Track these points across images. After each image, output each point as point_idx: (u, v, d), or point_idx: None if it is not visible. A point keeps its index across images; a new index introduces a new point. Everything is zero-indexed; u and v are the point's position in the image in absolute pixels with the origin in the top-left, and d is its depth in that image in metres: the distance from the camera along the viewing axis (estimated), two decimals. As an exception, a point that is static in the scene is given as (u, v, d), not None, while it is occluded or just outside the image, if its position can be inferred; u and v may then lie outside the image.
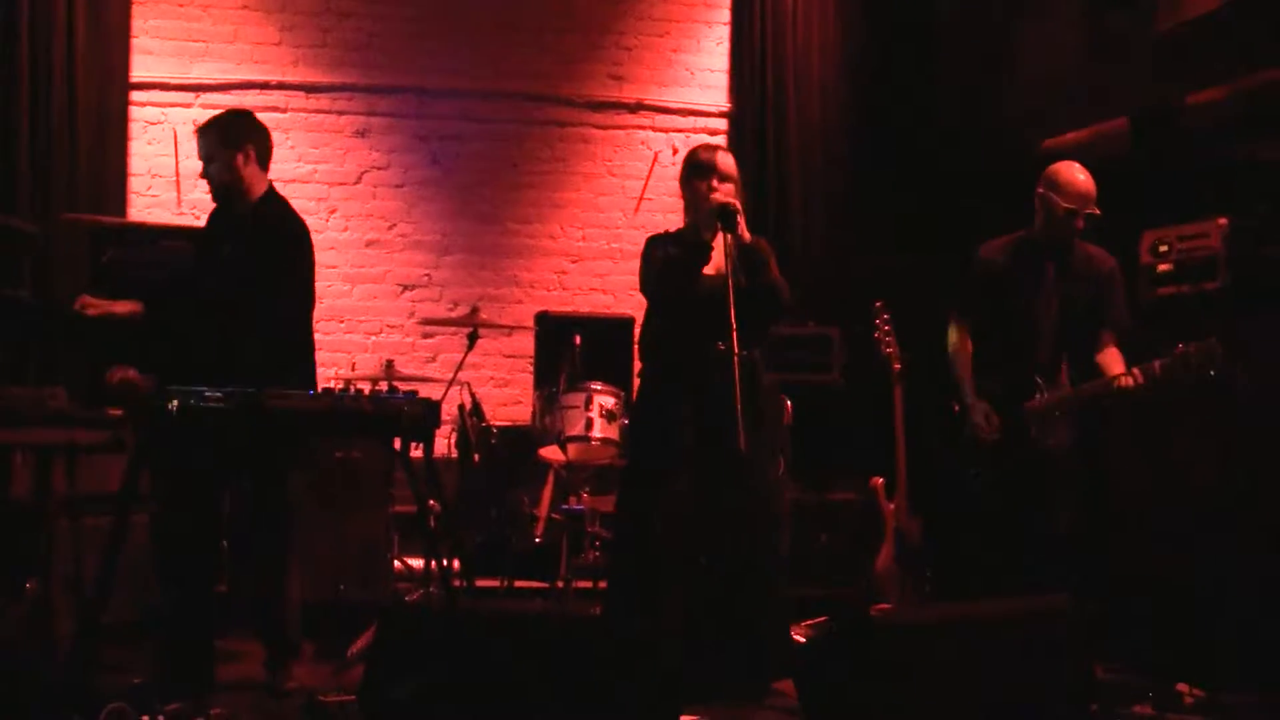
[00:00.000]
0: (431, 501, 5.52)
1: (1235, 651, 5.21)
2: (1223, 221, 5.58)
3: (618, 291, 8.79)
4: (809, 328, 7.41)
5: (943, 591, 5.87)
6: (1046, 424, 5.44)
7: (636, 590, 5.10)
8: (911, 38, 8.89)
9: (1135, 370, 5.14)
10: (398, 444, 4.88)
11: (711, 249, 5.02)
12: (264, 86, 8.46)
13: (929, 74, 8.81)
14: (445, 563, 5.92)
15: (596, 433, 6.19)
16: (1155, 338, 5.22)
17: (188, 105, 8.42)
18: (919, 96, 8.78)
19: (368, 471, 6.42)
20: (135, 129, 8.35)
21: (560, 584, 6.41)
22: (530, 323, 8.03)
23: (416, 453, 4.90)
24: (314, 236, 5.21)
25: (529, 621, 4.09)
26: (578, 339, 6.75)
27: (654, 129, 9.02)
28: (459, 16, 8.77)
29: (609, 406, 6.23)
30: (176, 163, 8.35)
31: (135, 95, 8.33)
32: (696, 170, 5.22)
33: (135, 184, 8.35)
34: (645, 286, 5.24)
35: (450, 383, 6.72)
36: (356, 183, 8.63)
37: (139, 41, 8.35)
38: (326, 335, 7.86)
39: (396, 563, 6.57)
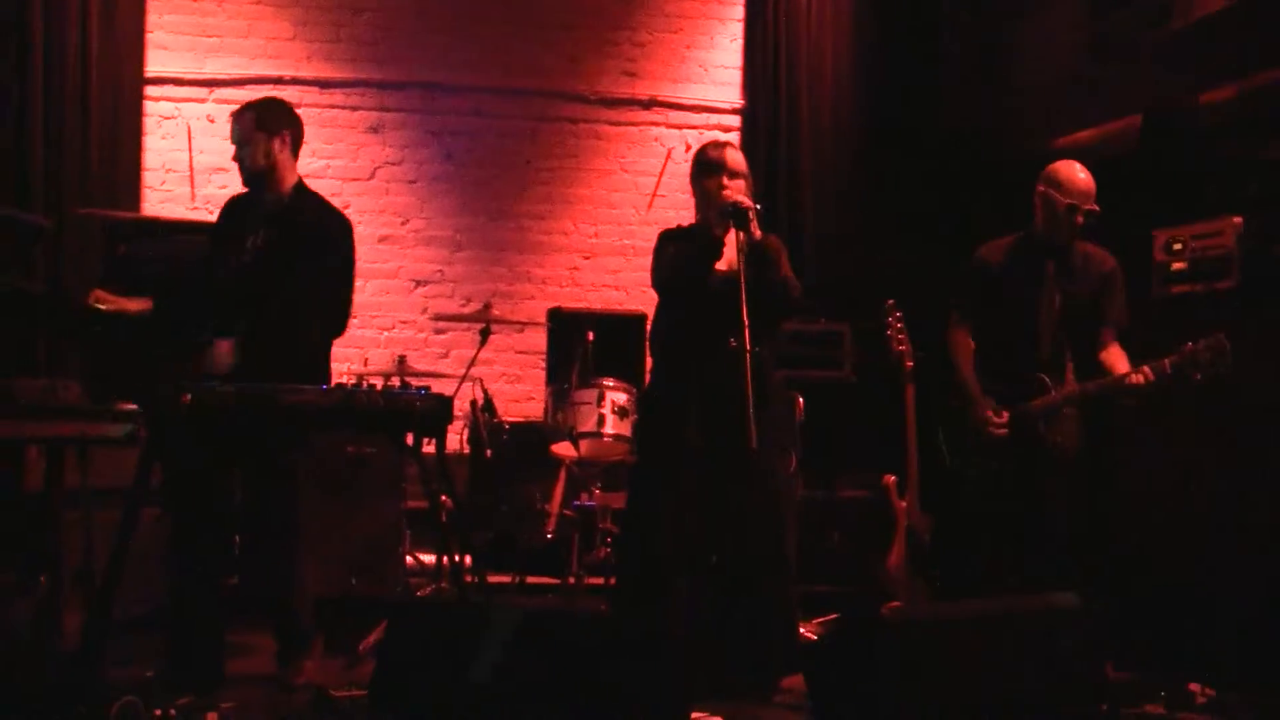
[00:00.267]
0: (443, 497, 5.53)
1: (1247, 651, 5.19)
2: (1237, 220, 5.57)
3: (630, 288, 8.79)
4: (820, 324, 7.39)
5: (952, 590, 5.86)
6: (1054, 421, 5.43)
7: (645, 587, 5.11)
8: (923, 35, 8.88)
9: (1145, 368, 5.12)
10: (410, 439, 4.89)
11: (723, 245, 5.02)
12: (277, 82, 8.47)
13: (941, 71, 8.81)
14: (456, 558, 5.92)
15: (608, 429, 6.19)
16: (1168, 336, 5.20)
17: (201, 100, 8.44)
18: (931, 94, 8.78)
19: (380, 467, 6.42)
20: (149, 124, 8.38)
21: (571, 580, 6.41)
22: (543, 319, 8.04)
23: (428, 448, 4.91)
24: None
25: (539, 618, 4.09)
26: (590, 335, 6.76)
27: (667, 125, 9.02)
28: (472, 12, 8.77)
29: (621, 403, 6.24)
30: (190, 158, 8.37)
31: (149, 90, 8.36)
32: (706, 168, 5.23)
33: (149, 179, 8.37)
34: (656, 281, 5.24)
35: (462, 378, 6.73)
36: (370, 178, 8.65)
37: (153, 36, 8.37)
38: (339, 330, 7.86)
39: (408, 558, 6.58)
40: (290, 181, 5.14)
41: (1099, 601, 4.77)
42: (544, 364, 8.23)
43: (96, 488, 5.29)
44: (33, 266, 7.41)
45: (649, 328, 5.52)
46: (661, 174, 8.92)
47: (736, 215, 4.92)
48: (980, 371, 5.63)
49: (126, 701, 4.19)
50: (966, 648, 4.06)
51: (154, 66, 8.36)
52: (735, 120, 9.07)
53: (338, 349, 5.27)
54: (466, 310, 8.23)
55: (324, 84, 8.59)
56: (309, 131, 8.30)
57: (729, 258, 4.99)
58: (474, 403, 6.91)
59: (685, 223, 5.45)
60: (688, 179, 5.41)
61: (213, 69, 8.47)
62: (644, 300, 7.56)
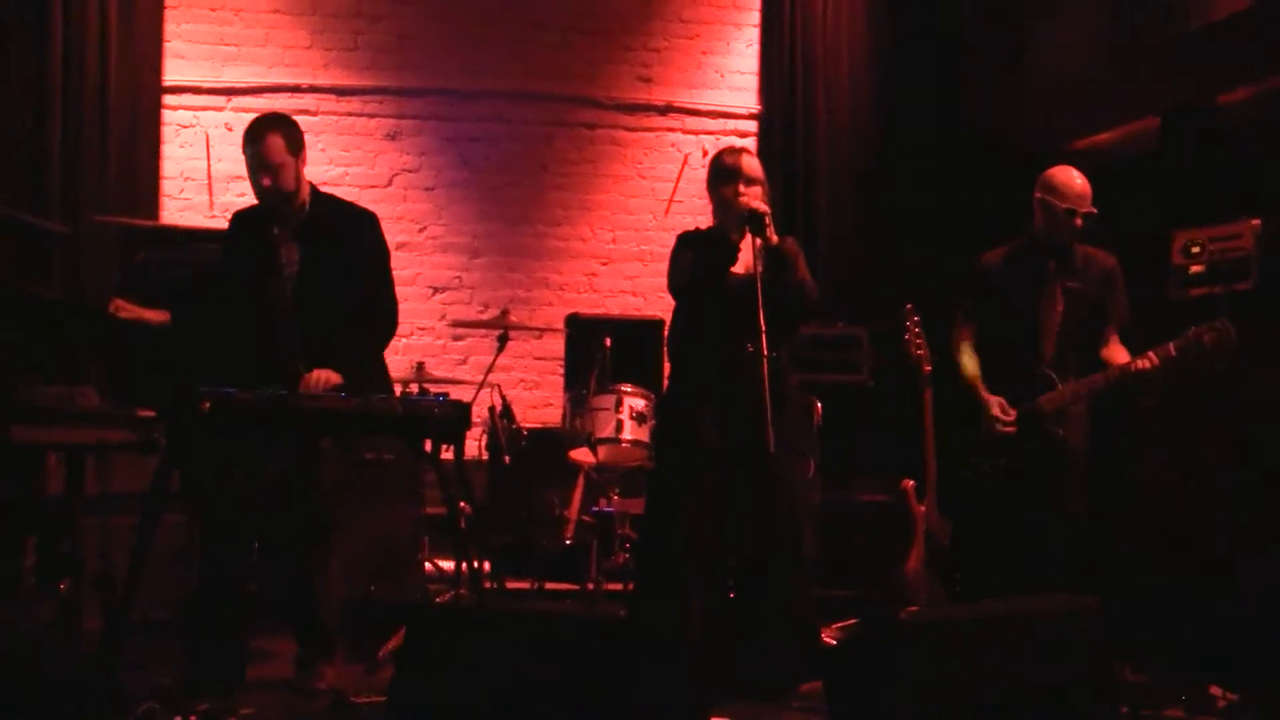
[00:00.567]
0: (462, 503, 5.54)
1: (1266, 653, 5.17)
2: (1255, 222, 5.56)
3: (648, 293, 8.79)
4: (837, 328, 7.39)
5: (972, 593, 5.85)
6: (1062, 419, 5.47)
7: (664, 591, 5.11)
8: (939, 38, 8.88)
9: (1150, 353, 5.19)
10: (428, 446, 4.89)
11: (738, 249, 5.03)
12: (295, 90, 8.50)
13: (956, 74, 8.81)
14: (475, 564, 5.92)
15: (626, 435, 6.19)
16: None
17: (219, 109, 8.47)
18: (947, 97, 8.78)
19: (398, 473, 6.43)
20: (168, 132, 8.41)
21: (590, 586, 6.41)
22: (560, 325, 8.04)
23: (447, 455, 4.91)
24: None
25: (558, 622, 4.09)
26: (608, 341, 6.76)
27: (684, 131, 9.03)
28: (489, 19, 8.79)
29: (639, 408, 6.23)
30: (209, 166, 8.40)
31: (167, 99, 8.39)
32: (722, 175, 5.23)
33: (168, 187, 8.41)
34: (673, 285, 5.25)
35: (481, 385, 6.74)
36: (387, 185, 8.66)
37: (171, 45, 8.41)
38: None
39: (427, 564, 6.58)
40: (306, 191, 5.15)
41: (1115, 602, 4.76)
42: (562, 370, 8.24)
43: (115, 493, 5.30)
44: (51, 274, 7.45)
45: (666, 333, 5.51)
46: (678, 179, 8.92)
47: (753, 221, 4.93)
48: (987, 374, 5.66)
49: (147, 708, 4.20)
50: (985, 651, 4.05)
51: (172, 75, 8.39)
52: (752, 125, 9.08)
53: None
54: (484, 316, 8.24)
55: (341, 91, 8.62)
56: (327, 139, 8.40)
57: (745, 262, 5.00)
58: (492, 409, 6.92)
59: (703, 227, 5.46)
60: (704, 185, 5.41)
61: (230, 77, 8.50)
62: (662, 306, 7.56)
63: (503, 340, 6.83)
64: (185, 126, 8.46)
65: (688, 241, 5.30)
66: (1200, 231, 5.77)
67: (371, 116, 8.67)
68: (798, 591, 5.16)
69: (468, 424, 4.83)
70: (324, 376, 4.79)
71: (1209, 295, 5.56)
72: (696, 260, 5.14)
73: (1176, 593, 5.72)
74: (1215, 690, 5.01)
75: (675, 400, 5.35)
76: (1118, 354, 5.42)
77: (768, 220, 4.94)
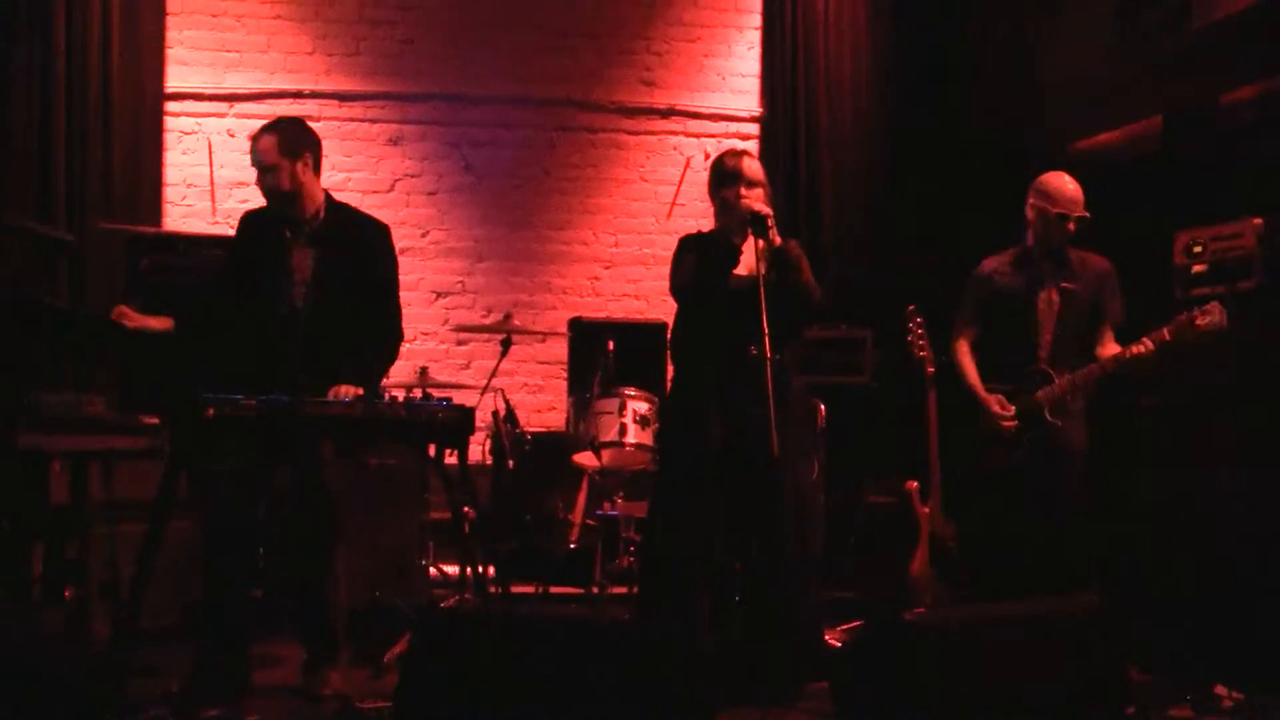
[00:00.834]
0: (466, 508, 5.54)
1: (1272, 652, 5.17)
2: (1257, 221, 5.57)
3: (650, 297, 8.80)
4: (841, 330, 7.40)
5: (977, 594, 5.85)
6: (1062, 411, 5.55)
7: (668, 594, 5.11)
8: (942, 39, 8.88)
9: (1145, 339, 5.30)
10: (432, 451, 4.90)
11: (740, 251, 5.04)
12: (297, 95, 8.51)
13: (960, 75, 8.81)
14: (480, 569, 5.92)
15: (630, 438, 6.19)
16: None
17: (222, 115, 8.48)
18: (949, 98, 8.79)
19: (403, 478, 6.45)
20: (170, 139, 8.43)
21: (594, 589, 6.41)
22: (563, 329, 8.05)
23: (451, 459, 4.91)
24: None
25: (563, 626, 4.09)
26: (611, 344, 6.76)
27: (686, 134, 9.03)
28: (490, 23, 8.80)
29: (642, 412, 6.24)
30: (211, 172, 8.41)
31: (170, 105, 8.41)
32: (724, 178, 5.24)
33: (170, 193, 8.41)
34: (675, 288, 5.25)
35: (484, 389, 6.74)
36: (390, 190, 8.67)
37: (173, 52, 8.43)
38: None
39: (431, 569, 6.59)
40: (319, 199, 5.15)
41: (1120, 602, 4.77)
42: (565, 374, 8.25)
43: (121, 500, 5.31)
44: (57, 281, 7.46)
45: (669, 336, 5.52)
46: (681, 183, 8.93)
47: (755, 223, 4.94)
48: (986, 374, 5.75)
49: (153, 715, 4.21)
50: (990, 652, 4.05)
51: (174, 82, 8.41)
52: (754, 128, 9.09)
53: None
54: (487, 321, 8.23)
55: (344, 97, 8.63)
56: (329, 145, 8.29)
57: (748, 264, 5.00)
58: (496, 413, 6.92)
59: (705, 230, 5.46)
60: (706, 188, 5.41)
61: (233, 84, 8.51)
62: (664, 309, 7.56)
63: (506, 344, 6.83)
64: (188, 133, 8.47)
65: (690, 244, 5.30)
66: (1202, 231, 5.77)
67: (374, 122, 8.68)
68: (803, 593, 5.17)
69: (471, 429, 4.82)
70: (348, 392, 4.78)
71: (1212, 295, 5.54)
72: (699, 263, 5.14)
73: (1180, 592, 5.72)
74: (1221, 690, 5.02)
75: (679, 403, 5.35)
76: (1113, 351, 5.51)
77: (770, 222, 4.95)
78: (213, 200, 8.41)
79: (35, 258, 6.41)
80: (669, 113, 9.01)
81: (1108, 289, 5.64)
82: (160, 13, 8.33)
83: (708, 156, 8.71)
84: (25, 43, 7.76)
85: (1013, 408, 5.60)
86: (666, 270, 5.34)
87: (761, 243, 4.92)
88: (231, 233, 5.44)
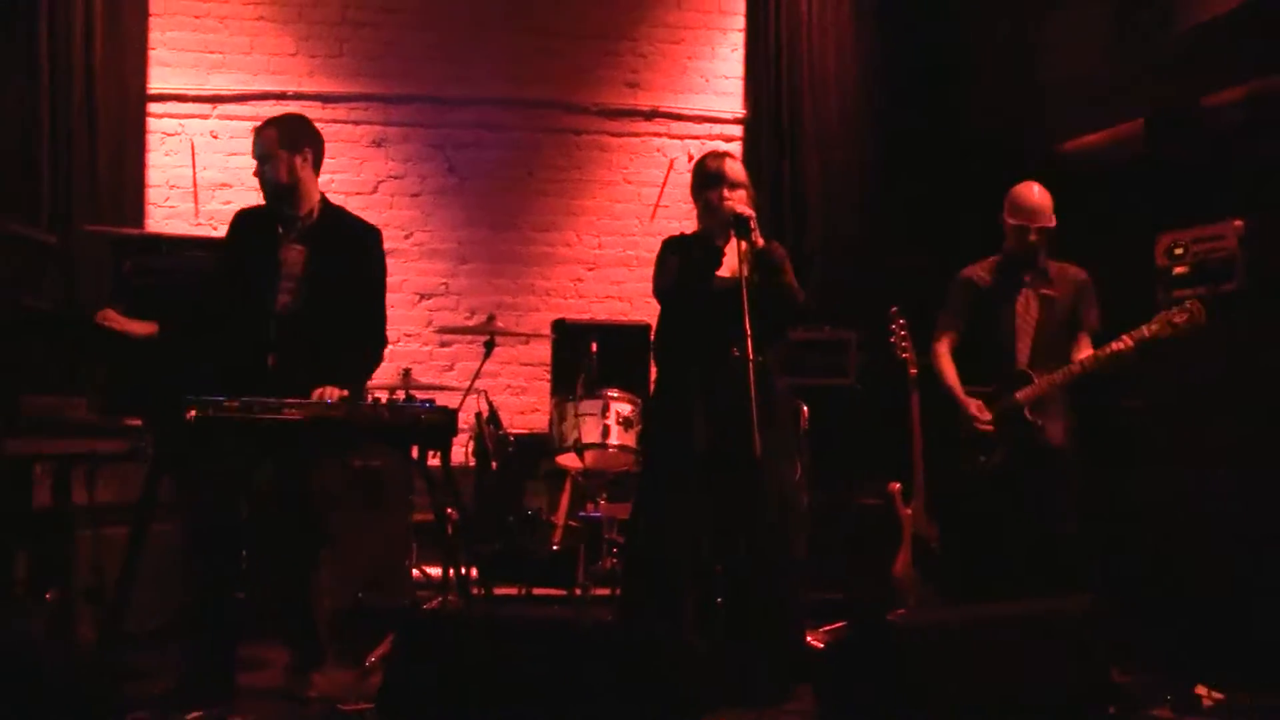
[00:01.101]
0: (449, 509, 5.54)
1: (1253, 653, 5.19)
2: (1239, 223, 5.59)
3: (634, 299, 8.80)
4: (825, 332, 7.41)
5: (960, 595, 5.87)
6: (1043, 410, 5.63)
7: (652, 595, 5.11)
8: (928, 40, 8.87)
9: (1124, 336, 5.40)
10: (416, 452, 4.90)
11: (723, 253, 5.05)
12: (280, 97, 8.49)
13: (947, 76, 8.80)
14: (463, 570, 5.92)
15: (613, 440, 6.19)
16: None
17: (205, 116, 8.47)
18: (946, 98, 8.77)
19: (386, 480, 6.46)
20: (153, 140, 8.41)
21: (578, 591, 6.41)
22: (547, 330, 8.05)
23: (434, 461, 4.91)
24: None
25: (546, 628, 4.10)
26: (594, 346, 6.75)
27: (670, 136, 9.04)
28: (474, 25, 8.80)
29: (626, 413, 6.24)
30: (194, 173, 8.40)
31: (152, 107, 8.39)
32: (706, 180, 5.26)
33: (153, 195, 8.40)
34: (658, 289, 5.26)
35: (467, 391, 6.73)
36: (373, 192, 8.67)
37: (156, 53, 8.41)
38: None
39: (415, 570, 6.58)
40: (315, 198, 5.15)
41: (1101, 604, 4.79)
42: (549, 375, 8.24)
43: (104, 503, 5.30)
44: (41, 284, 7.43)
45: (653, 338, 5.52)
46: (664, 184, 8.93)
47: (738, 224, 4.95)
48: (966, 378, 5.86)
49: (137, 718, 4.20)
50: (973, 653, 4.06)
51: (157, 83, 8.39)
52: (738, 130, 9.10)
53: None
54: (471, 323, 8.23)
55: (326, 98, 8.61)
56: (313, 146, 8.34)
57: (731, 266, 5.01)
58: (479, 415, 6.92)
59: (688, 232, 5.47)
60: (689, 190, 5.42)
61: (215, 85, 8.50)
62: (648, 311, 7.57)
63: (489, 346, 6.82)
64: (170, 134, 8.45)
65: (673, 246, 5.31)
66: (1184, 233, 5.80)
67: (357, 123, 8.67)
68: (787, 595, 5.17)
69: (455, 430, 4.82)
70: (333, 393, 4.78)
71: (1194, 297, 5.56)
72: (682, 265, 5.15)
73: (1160, 593, 5.73)
74: (1201, 690, 5.03)
75: (663, 405, 5.35)
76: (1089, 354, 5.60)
77: (753, 224, 4.96)
78: (195, 201, 8.39)
79: (20, 261, 6.37)
80: (653, 114, 9.02)
81: (1085, 298, 5.75)
82: (143, 14, 8.31)
83: (691, 158, 8.70)
84: (7, 45, 7.74)
85: (990, 413, 5.69)
86: (650, 272, 5.35)
87: (744, 244, 4.92)
88: (215, 234, 5.45)
